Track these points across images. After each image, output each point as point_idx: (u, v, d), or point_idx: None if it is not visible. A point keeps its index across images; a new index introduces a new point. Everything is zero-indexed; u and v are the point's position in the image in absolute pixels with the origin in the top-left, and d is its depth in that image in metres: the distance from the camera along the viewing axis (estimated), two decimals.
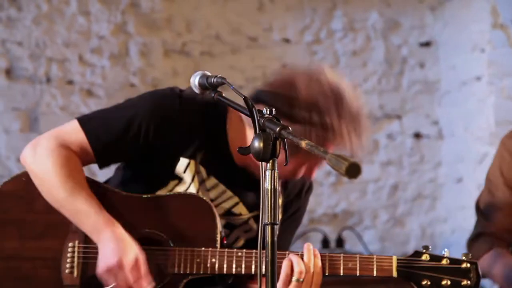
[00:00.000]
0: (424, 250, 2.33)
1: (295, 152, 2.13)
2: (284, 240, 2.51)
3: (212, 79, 2.08)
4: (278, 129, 1.80)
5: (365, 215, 5.03)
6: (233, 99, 2.06)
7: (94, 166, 2.50)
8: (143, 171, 2.45)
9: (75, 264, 2.33)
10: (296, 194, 2.59)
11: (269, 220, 1.80)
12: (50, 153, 2.35)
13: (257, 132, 1.83)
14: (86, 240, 2.35)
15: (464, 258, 2.31)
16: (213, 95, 2.09)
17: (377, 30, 5.05)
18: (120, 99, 2.58)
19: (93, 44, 4.60)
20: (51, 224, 2.36)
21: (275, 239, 1.80)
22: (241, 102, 1.96)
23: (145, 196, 2.39)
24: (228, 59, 4.84)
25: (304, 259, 2.29)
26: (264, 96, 2.34)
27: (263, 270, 1.81)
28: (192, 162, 2.41)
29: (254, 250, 2.33)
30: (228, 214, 2.47)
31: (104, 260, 2.28)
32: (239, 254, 2.32)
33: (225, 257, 2.32)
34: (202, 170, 2.43)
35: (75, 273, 2.33)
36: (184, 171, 2.41)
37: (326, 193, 4.99)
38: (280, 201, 2.52)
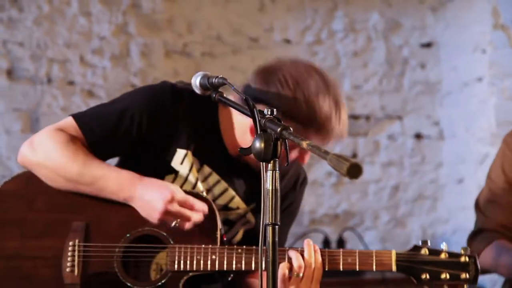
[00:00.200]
0: (423, 245, 2.34)
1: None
2: (280, 234, 2.50)
3: (213, 79, 2.09)
4: (279, 129, 1.80)
5: (366, 216, 5.03)
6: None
7: None
8: (138, 167, 2.45)
9: (76, 262, 2.34)
10: (291, 187, 2.60)
11: (270, 221, 1.80)
12: (49, 138, 2.36)
13: (258, 132, 1.83)
14: (87, 238, 2.35)
15: (462, 252, 2.33)
16: (214, 95, 2.10)
17: (378, 31, 5.05)
18: None
19: (94, 45, 4.61)
20: (52, 223, 2.37)
21: (276, 239, 1.80)
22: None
23: None
24: (229, 60, 4.85)
25: (304, 255, 2.30)
26: (253, 89, 2.40)
27: (263, 267, 1.82)
28: (189, 152, 2.42)
29: (254, 247, 2.34)
30: (225, 209, 2.48)
31: (154, 207, 2.28)
32: (239, 250, 2.34)
33: (225, 254, 2.33)
34: (196, 160, 2.43)
35: (76, 272, 2.33)
36: (182, 162, 2.41)
37: (327, 194, 4.99)
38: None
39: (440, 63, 5.06)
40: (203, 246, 2.34)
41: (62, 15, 4.55)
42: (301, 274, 2.28)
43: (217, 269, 2.33)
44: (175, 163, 2.42)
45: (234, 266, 2.33)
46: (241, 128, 2.43)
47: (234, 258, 2.33)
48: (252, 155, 1.80)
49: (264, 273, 1.83)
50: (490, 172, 3.07)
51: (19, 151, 2.41)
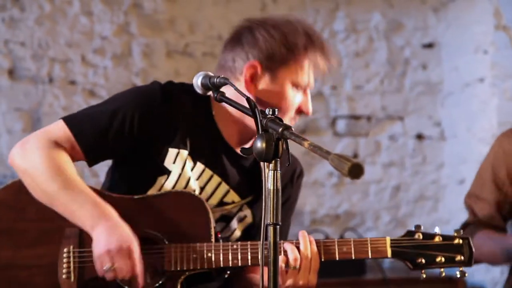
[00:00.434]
0: (417, 229, 2.35)
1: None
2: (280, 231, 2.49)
3: (215, 79, 2.09)
4: (280, 129, 1.80)
5: (367, 216, 5.03)
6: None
7: (96, 168, 2.49)
8: (130, 170, 2.44)
9: (72, 269, 2.32)
10: (287, 181, 2.58)
11: (272, 221, 1.80)
12: (39, 148, 2.34)
13: (260, 132, 1.83)
14: (81, 244, 2.34)
15: (455, 234, 2.34)
16: (215, 95, 2.10)
17: (380, 31, 5.05)
18: None
19: (96, 45, 4.61)
20: (44, 231, 2.34)
21: (278, 239, 1.80)
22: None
23: (136, 196, 2.39)
24: None
25: (300, 247, 2.29)
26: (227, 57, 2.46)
27: (262, 267, 1.82)
28: (182, 151, 2.41)
29: (249, 242, 2.33)
30: (220, 205, 2.47)
31: (99, 246, 2.26)
32: (234, 246, 2.33)
33: (221, 250, 2.33)
34: (189, 158, 2.42)
35: (72, 278, 2.31)
36: (174, 162, 2.41)
37: (328, 194, 4.99)
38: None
39: (442, 64, 5.06)
40: (198, 244, 2.33)
41: (63, 14, 4.55)
42: (297, 266, 2.27)
43: (213, 266, 2.33)
44: (168, 162, 2.41)
45: (230, 262, 2.32)
46: (242, 114, 2.42)
47: (230, 254, 2.33)
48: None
49: (264, 269, 1.83)
50: (480, 168, 3.14)
51: (11, 151, 2.40)
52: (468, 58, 4.82)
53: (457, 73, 4.94)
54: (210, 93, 2.14)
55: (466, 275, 2.33)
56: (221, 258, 2.32)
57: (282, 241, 2.32)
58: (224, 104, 2.35)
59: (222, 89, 2.13)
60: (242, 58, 2.43)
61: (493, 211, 3.06)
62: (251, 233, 2.51)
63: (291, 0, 4.97)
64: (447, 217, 5.01)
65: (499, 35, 4.59)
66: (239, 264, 2.33)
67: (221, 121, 2.46)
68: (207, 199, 2.43)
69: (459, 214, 4.89)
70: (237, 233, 2.51)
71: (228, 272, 2.43)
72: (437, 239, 2.35)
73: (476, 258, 2.86)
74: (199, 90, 2.13)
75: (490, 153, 3.12)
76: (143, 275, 2.28)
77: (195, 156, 2.43)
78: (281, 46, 2.40)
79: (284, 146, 1.83)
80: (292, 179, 2.60)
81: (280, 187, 1.81)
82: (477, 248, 2.42)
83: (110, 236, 2.25)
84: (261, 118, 1.86)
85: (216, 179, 2.45)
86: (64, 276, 2.31)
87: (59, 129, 2.39)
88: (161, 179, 2.42)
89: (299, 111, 2.46)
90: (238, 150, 2.48)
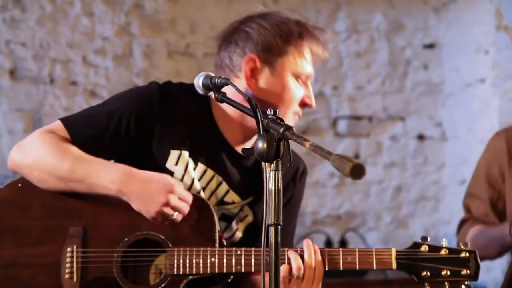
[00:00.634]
0: (423, 241, 2.33)
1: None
2: (285, 232, 2.47)
3: (216, 80, 2.08)
4: (282, 129, 1.80)
5: (369, 217, 5.03)
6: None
7: None
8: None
9: (75, 269, 2.30)
10: (290, 180, 2.57)
11: (273, 221, 1.80)
12: (38, 140, 2.34)
13: (261, 133, 1.83)
14: (85, 244, 2.33)
15: (462, 247, 2.32)
16: (217, 95, 2.09)
17: (381, 32, 5.05)
18: None
19: (97, 45, 4.61)
20: (47, 230, 2.33)
21: (279, 239, 1.80)
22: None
23: None
24: None
25: (304, 256, 2.28)
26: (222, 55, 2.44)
27: (265, 268, 1.82)
28: (183, 152, 2.40)
29: (253, 248, 2.32)
30: (221, 203, 2.47)
31: (153, 199, 2.25)
32: (238, 252, 2.32)
33: (224, 256, 2.31)
34: (190, 159, 2.42)
35: (75, 278, 2.30)
36: (176, 163, 2.40)
37: (330, 195, 4.99)
38: None
39: (443, 64, 5.06)
40: (202, 248, 2.31)
41: (65, 15, 4.56)
42: (301, 276, 2.26)
43: (216, 271, 2.31)
44: (170, 164, 2.40)
45: (233, 268, 2.31)
46: (241, 114, 2.39)
47: (234, 260, 2.31)
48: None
49: (266, 274, 1.83)
50: (476, 167, 3.17)
51: (9, 155, 2.38)
52: (469, 59, 4.82)
53: (458, 74, 4.94)
54: (212, 93, 2.14)
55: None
56: (225, 264, 2.31)
57: (286, 249, 2.31)
58: (224, 104, 2.35)
59: (224, 89, 2.13)
60: (239, 54, 2.41)
61: (487, 209, 3.09)
62: (252, 233, 2.50)
63: (293, 1, 4.97)
64: (448, 218, 5.00)
65: (500, 36, 4.59)
66: (242, 270, 2.31)
67: (221, 120, 2.45)
68: (208, 198, 2.42)
69: (460, 214, 4.87)
70: (239, 233, 2.50)
71: (232, 276, 2.41)
72: (443, 252, 2.32)
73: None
74: (200, 91, 2.12)
75: (484, 152, 3.16)
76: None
77: (196, 157, 2.42)
78: (275, 36, 2.39)
79: (286, 146, 1.82)
80: (294, 178, 2.59)
81: (281, 188, 1.81)
82: (471, 243, 2.42)
83: (154, 185, 2.25)
84: (262, 119, 1.85)
85: (217, 178, 2.45)
86: (67, 276, 2.30)
87: (57, 127, 2.38)
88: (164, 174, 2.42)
89: (303, 104, 2.45)
90: (239, 150, 2.47)
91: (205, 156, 2.43)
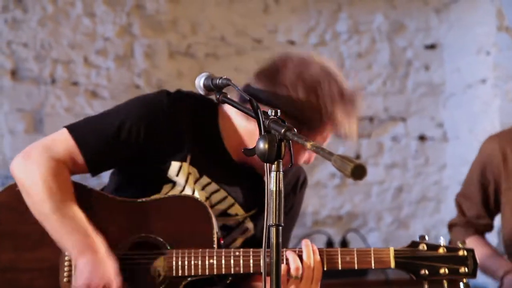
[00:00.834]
0: (421, 240, 2.34)
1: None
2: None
3: (217, 80, 2.08)
4: (283, 130, 1.80)
5: (370, 217, 5.03)
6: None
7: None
8: (136, 176, 2.43)
9: (73, 273, 2.31)
10: (290, 189, 2.57)
11: (274, 222, 1.80)
12: (39, 167, 2.32)
13: (262, 133, 1.83)
14: None
15: (460, 246, 2.32)
16: (218, 96, 2.09)
17: (382, 33, 5.05)
18: (125, 100, 2.58)
19: (98, 46, 4.61)
20: (45, 234, 2.32)
21: (280, 240, 1.80)
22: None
23: (140, 200, 2.37)
24: (233, 61, 4.85)
25: (303, 256, 2.28)
26: (257, 91, 2.35)
27: (267, 270, 1.81)
28: (184, 164, 2.39)
29: (251, 249, 2.32)
30: (223, 215, 2.46)
31: (81, 278, 2.26)
32: (237, 253, 2.31)
33: (223, 257, 2.31)
34: (194, 170, 2.41)
35: (73, 282, 2.31)
36: (177, 174, 2.40)
37: (331, 195, 4.99)
38: None
39: (444, 65, 5.06)
40: (200, 250, 2.31)
41: (66, 15, 4.56)
42: (299, 276, 2.26)
43: (215, 273, 2.31)
44: (171, 175, 2.40)
45: (232, 269, 2.31)
46: (249, 131, 2.40)
47: (232, 261, 2.31)
48: (257, 157, 1.79)
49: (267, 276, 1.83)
50: (470, 168, 3.22)
51: (13, 160, 2.38)
52: (470, 59, 4.81)
53: (459, 74, 4.94)
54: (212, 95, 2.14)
55: (470, 287, 2.32)
56: (223, 265, 2.31)
57: (284, 249, 2.31)
58: (230, 117, 2.35)
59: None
60: (270, 102, 2.33)
61: (480, 210, 3.15)
62: (251, 245, 2.50)
63: (294, 2, 4.97)
64: (449, 218, 4.98)
65: (501, 36, 4.58)
66: (241, 271, 2.31)
67: (226, 134, 2.44)
68: (212, 207, 2.41)
69: None
70: (237, 244, 2.50)
71: (230, 278, 2.41)
72: (441, 250, 2.33)
73: None
74: (201, 91, 2.12)
75: (478, 155, 3.20)
76: None
77: (200, 169, 2.41)
78: (313, 114, 2.33)
79: (287, 147, 1.82)
80: (295, 189, 2.59)
81: (282, 188, 1.81)
82: None
83: (94, 271, 2.24)
84: (263, 119, 1.85)
85: (222, 192, 2.44)
86: (65, 280, 2.31)
87: (63, 140, 2.37)
88: (166, 187, 2.42)
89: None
90: (241, 164, 2.46)
91: (209, 168, 2.42)
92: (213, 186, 2.43)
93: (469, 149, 4.81)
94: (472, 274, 2.30)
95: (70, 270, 2.31)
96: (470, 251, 2.32)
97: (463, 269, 2.30)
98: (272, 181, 1.80)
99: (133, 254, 2.33)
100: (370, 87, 5.04)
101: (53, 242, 2.32)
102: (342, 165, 1.61)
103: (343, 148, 4.98)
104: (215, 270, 2.31)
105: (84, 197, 2.35)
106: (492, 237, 4.00)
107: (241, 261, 2.31)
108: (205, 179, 2.42)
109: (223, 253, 2.32)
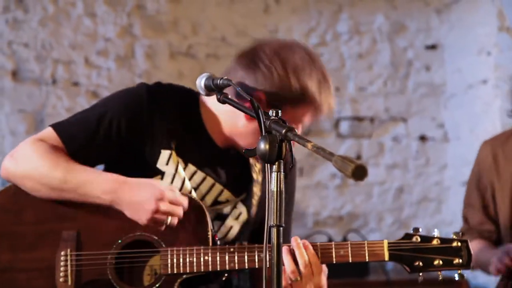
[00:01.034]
0: (415, 232, 2.34)
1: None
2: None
3: (218, 81, 2.08)
4: (284, 131, 1.80)
5: (370, 218, 5.03)
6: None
7: None
8: (125, 171, 2.44)
9: (69, 272, 2.32)
10: None
11: (275, 222, 1.80)
12: (30, 149, 2.34)
13: (263, 134, 1.83)
14: (78, 247, 2.34)
15: (454, 237, 2.32)
16: (219, 96, 2.10)
17: (383, 33, 5.05)
18: None
19: (99, 46, 4.62)
20: (42, 234, 2.34)
21: (281, 241, 1.80)
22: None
23: None
24: None
25: (296, 256, 2.27)
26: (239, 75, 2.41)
27: (265, 268, 1.82)
28: (174, 152, 2.41)
29: (246, 245, 2.33)
30: (215, 204, 2.47)
31: (143, 207, 2.26)
32: (231, 250, 2.33)
33: (218, 254, 2.32)
34: (180, 159, 2.43)
35: (70, 282, 2.32)
36: (167, 163, 2.41)
37: (332, 196, 4.99)
38: (260, 178, 2.53)
39: (445, 65, 5.06)
40: (195, 247, 2.32)
41: (67, 16, 4.56)
42: (298, 278, 2.27)
43: (210, 269, 2.32)
44: (161, 164, 2.41)
45: (227, 265, 2.32)
46: (229, 115, 2.41)
47: (227, 257, 2.32)
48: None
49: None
50: (469, 176, 3.26)
51: (2, 165, 2.38)
52: (471, 60, 4.81)
53: (460, 75, 4.93)
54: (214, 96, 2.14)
55: (465, 277, 2.32)
56: (218, 261, 2.32)
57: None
58: (210, 105, 2.37)
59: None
60: (251, 83, 2.41)
61: (482, 216, 3.16)
62: (247, 229, 2.51)
63: (294, 1, 4.97)
64: (450, 219, 5.00)
65: (502, 37, 4.58)
66: (236, 267, 2.32)
67: (209, 122, 2.46)
68: (201, 199, 2.43)
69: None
70: (234, 231, 2.50)
71: (226, 274, 2.43)
72: (435, 242, 2.34)
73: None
74: (202, 92, 2.12)
75: (474, 162, 3.24)
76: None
77: (186, 158, 2.43)
78: (292, 89, 2.38)
79: (288, 147, 1.83)
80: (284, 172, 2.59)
81: (283, 189, 1.81)
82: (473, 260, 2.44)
83: (143, 193, 2.26)
84: (264, 120, 1.85)
85: (209, 180, 2.46)
86: (61, 279, 2.31)
87: (49, 136, 2.39)
88: (156, 179, 2.42)
89: None
90: (226, 149, 2.49)
91: (194, 157, 2.44)
92: (200, 175, 2.44)
93: (470, 149, 4.81)
94: (466, 265, 2.30)
95: (66, 270, 2.32)
96: (464, 242, 2.32)
97: (457, 260, 2.30)
98: (273, 181, 1.80)
99: (128, 253, 2.34)
100: (370, 87, 5.04)
101: (50, 242, 2.33)
102: (343, 166, 1.61)
103: (344, 148, 4.98)
104: (210, 267, 2.32)
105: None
106: None
107: (236, 257, 2.32)
108: (191, 168, 2.43)
109: (218, 250, 2.33)
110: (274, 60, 2.40)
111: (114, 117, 2.37)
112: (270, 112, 1.87)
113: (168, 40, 4.75)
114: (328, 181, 4.98)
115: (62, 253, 2.33)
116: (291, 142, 1.82)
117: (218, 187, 2.47)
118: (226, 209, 2.49)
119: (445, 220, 5.03)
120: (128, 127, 2.38)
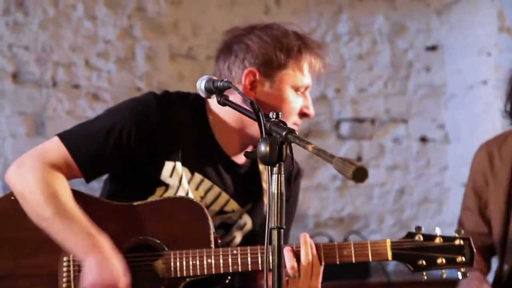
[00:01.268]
0: (417, 231, 2.35)
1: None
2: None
3: (218, 83, 2.08)
4: (284, 133, 1.80)
5: (371, 219, 5.03)
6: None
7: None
8: (129, 182, 2.44)
9: (72, 278, 2.32)
10: (285, 182, 2.57)
11: (276, 224, 1.80)
12: (34, 172, 2.32)
13: (263, 136, 1.83)
14: None
15: (456, 235, 2.33)
16: (219, 99, 2.10)
17: (383, 34, 5.05)
18: None
19: (100, 48, 4.62)
20: (43, 240, 2.33)
21: (282, 242, 1.80)
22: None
23: (136, 203, 2.39)
24: None
25: (301, 253, 2.28)
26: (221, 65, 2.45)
27: (268, 268, 1.82)
28: (178, 164, 2.41)
29: (248, 247, 2.33)
30: (221, 213, 2.47)
31: (88, 278, 2.25)
32: (234, 252, 2.32)
33: (221, 256, 2.32)
34: (186, 169, 2.42)
35: (72, 287, 2.32)
36: (171, 175, 2.40)
37: (332, 197, 4.98)
38: (266, 186, 2.52)
39: (445, 66, 5.06)
40: (198, 250, 2.32)
41: (67, 18, 4.56)
42: (296, 275, 2.26)
43: (213, 272, 2.32)
44: (164, 176, 2.41)
45: (230, 268, 2.32)
46: (240, 120, 2.42)
47: (230, 260, 2.32)
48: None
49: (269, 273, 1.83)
50: (467, 181, 3.29)
51: (7, 170, 2.38)
52: (471, 60, 4.81)
53: (460, 76, 4.93)
54: (214, 97, 2.14)
55: (468, 275, 2.32)
56: (221, 264, 2.32)
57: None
58: (219, 112, 2.37)
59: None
60: (238, 66, 2.42)
61: (477, 218, 3.19)
62: (250, 240, 2.50)
63: (295, 3, 4.97)
64: (451, 220, 5.00)
65: (502, 37, 4.58)
66: (239, 270, 2.32)
67: (217, 129, 2.46)
68: (207, 208, 2.42)
69: None
70: (237, 240, 2.51)
71: (229, 277, 2.42)
72: (437, 240, 2.35)
73: None
74: (202, 94, 2.13)
75: (470, 166, 3.27)
76: None
77: (192, 167, 2.43)
78: (276, 50, 2.40)
79: (288, 150, 1.83)
80: (289, 180, 2.59)
81: (284, 191, 1.81)
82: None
83: (101, 270, 2.23)
84: (264, 122, 1.85)
85: (216, 189, 2.45)
86: (64, 285, 2.31)
87: (55, 147, 2.38)
88: (160, 190, 2.42)
89: (302, 114, 2.47)
90: (235, 159, 2.48)
91: (202, 166, 2.44)
92: (206, 183, 2.44)
93: (470, 150, 4.79)
94: (469, 262, 2.31)
95: (69, 276, 2.31)
96: (467, 240, 2.33)
97: (460, 258, 2.31)
98: (274, 183, 1.80)
99: (131, 257, 2.34)
100: (371, 88, 5.04)
101: (52, 248, 2.32)
102: (343, 168, 1.61)
103: (345, 150, 4.98)
104: (213, 270, 2.32)
105: (80, 203, 2.36)
106: None
107: (239, 260, 2.31)
108: (197, 177, 2.43)
109: (220, 252, 2.32)
110: (246, 36, 2.44)
111: (124, 128, 2.36)
112: (271, 114, 1.87)
113: (169, 42, 4.75)
114: (329, 182, 4.98)
115: (65, 258, 2.33)
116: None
117: (224, 196, 2.46)
118: (232, 219, 2.49)
119: (445, 221, 5.03)
120: (137, 136, 2.37)
